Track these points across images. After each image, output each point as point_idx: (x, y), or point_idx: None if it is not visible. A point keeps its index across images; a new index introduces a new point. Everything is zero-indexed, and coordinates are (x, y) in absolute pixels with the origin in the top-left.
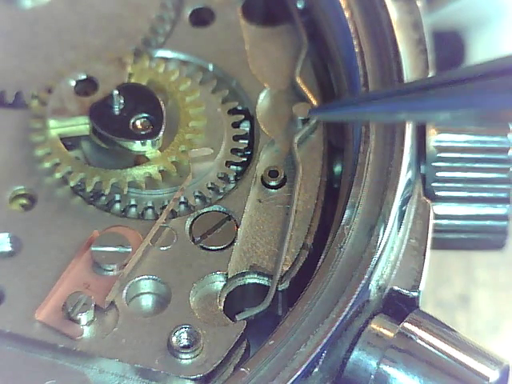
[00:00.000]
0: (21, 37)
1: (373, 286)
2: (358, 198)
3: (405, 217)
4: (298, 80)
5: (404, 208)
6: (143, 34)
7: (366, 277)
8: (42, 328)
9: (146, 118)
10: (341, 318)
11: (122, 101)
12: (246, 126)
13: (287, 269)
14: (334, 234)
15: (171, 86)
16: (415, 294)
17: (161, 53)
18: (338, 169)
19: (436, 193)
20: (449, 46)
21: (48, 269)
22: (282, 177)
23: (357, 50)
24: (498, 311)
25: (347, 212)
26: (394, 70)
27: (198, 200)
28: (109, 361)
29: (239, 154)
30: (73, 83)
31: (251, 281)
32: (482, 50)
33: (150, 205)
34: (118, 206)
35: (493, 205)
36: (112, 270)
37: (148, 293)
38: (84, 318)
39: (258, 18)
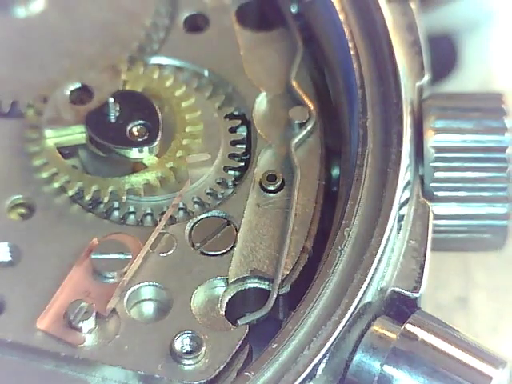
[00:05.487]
0: (15, 46)
1: (374, 288)
2: (358, 200)
3: (404, 218)
4: (294, 84)
5: (403, 209)
6: (138, 41)
7: (368, 279)
8: (43, 337)
9: (142, 124)
10: (343, 321)
11: (117, 108)
12: (242, 131)
13: (288, 272)
14: (334, 236)
15: (166, 91)
16: (416, 295)
17: (156, 59)
18: (335, 172)
19: (435, 193)
20: (441, 49)
21: (48, 277)
22: (280, 181)
23: (352, 52)
24: (497, 313)
25: (347, 214)
26: (389, 72)
27: (196, 205)
28: (111, 368)
29: (237, 158)
30: (68, 92)
31: (252, 285)
32: (473, 54)
33: (149, 211)
34: (116, 213)
35: (492, 204)
36: (112, 278)
37: (149, 299)
38: (85, 325)
39: (252, 22)
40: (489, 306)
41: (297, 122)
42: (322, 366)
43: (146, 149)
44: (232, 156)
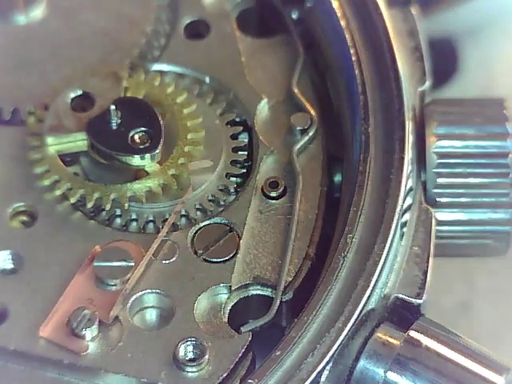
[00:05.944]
0: (16, 53)
1: (377, 295)
2: (360, 207)
3: (407, 224)
4: (295, 90)
5: (406, 216)
6: (139, 48)
7: (371, 285)
8: (46, 344)
9: (144, 131)
10: (347, 328)
11: (119, 115)
12: (244, 138)
13: (290, 279)
14: (337, 243)
15: (168, 98)
16: (420, 301)
17: (157, 66)
18: (337, 178)
19: (437, 199)
20: (442, 54)
21: (51, 285)
22: (283, 187)
23: (354, 58)
24: (500, 318)
25: (349, 221)
26: (391, 78)
27: (198, 212)
28: (115, 376)
29: (239, 165)
30: (69, 99)
31: (255, 292)
32: (474, 59)
33: (151, 218)
34: (118, 220)
35: (494, 210)
36: (115, 285)
37: (152, 307)
38: (88, 333)
39: (253, 29)
40: (491, 312)
41: (298, 128)
42: (326, 373)
43: (147, 156)
44: (234, 163)
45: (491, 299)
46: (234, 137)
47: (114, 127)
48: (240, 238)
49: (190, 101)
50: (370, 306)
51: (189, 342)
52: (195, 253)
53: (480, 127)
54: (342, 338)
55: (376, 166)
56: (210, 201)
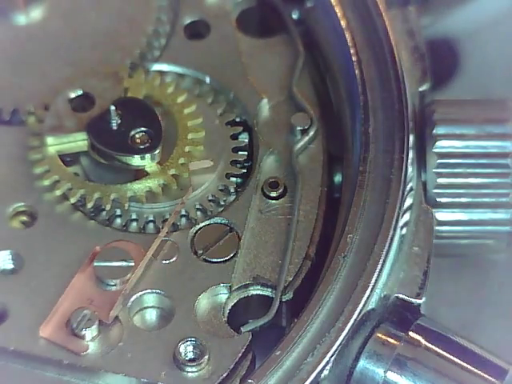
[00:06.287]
0: (16, 53)
1: (377, 295)
2: (360, 207)
3: (407, 224)
4: (296, 90)
5: (406, 216)
6: (139, 48)
7: (371, 285)
8: (46, 344)
9: (144, 131)
10: (347, 328)
11: (119, 115)
12: (244, 138)
13: (290, 279)
14: (337, 243)
15: (168, 98)
16: (420, 301)
17: (157, 66)
18: (338, 178)
19: (437, 199)
20: (442, 55)
21: (51, 285)
22: (283, 187)
23: (354, 58)
24: (500, 318)
25: (350, 221)
26: (391, 78)
27: (199, 212)
28: (115, 376)
29: (239, 165)
30: (69, 99)
31: (255, 292)
32: (474, 59)
33: (151, 219)
34: (118, 220)
35: (494, 210)
36: (115, 285)
37: (152, 307)
38: (88, 333)
39: (253, 29)
40: (491, 312)
41: (299, 128)
42: (326, 373)
43: (147, 156)
44: (234, 163)
45: (491, 299)
46: (234, 137)
47: (114, 127)
48: (240, 238)
49: (190, 101)
50: (370, 306)
51: (189, 342)
52: (195, 253)
53: (480, 127)
54: (341, 337)
55: (376, 166)
56: (210, 201)
